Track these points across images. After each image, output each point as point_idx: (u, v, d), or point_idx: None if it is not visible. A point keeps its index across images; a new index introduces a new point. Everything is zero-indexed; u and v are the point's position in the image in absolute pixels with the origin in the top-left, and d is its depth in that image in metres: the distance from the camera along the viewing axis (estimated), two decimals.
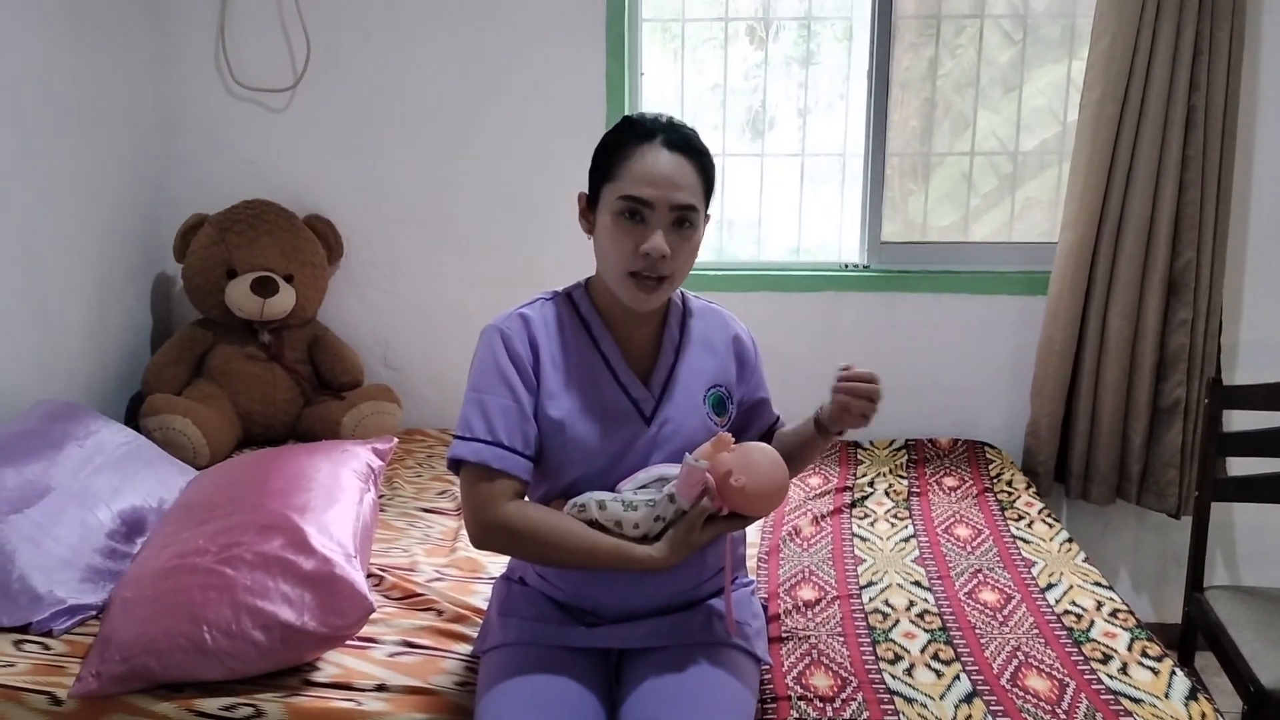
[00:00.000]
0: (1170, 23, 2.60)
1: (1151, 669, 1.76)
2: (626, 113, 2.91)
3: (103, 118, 2.74)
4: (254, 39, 2.95)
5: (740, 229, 3.15)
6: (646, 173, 1.53)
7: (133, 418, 2.75)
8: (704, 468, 1.47)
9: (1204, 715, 1.63)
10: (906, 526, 2.40)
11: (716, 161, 1.64)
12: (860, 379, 1.63)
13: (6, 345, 2.37)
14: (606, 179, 1.57)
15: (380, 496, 2.36)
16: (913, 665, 1.78)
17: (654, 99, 3.04)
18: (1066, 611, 1.97)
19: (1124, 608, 1.99)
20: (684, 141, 1.57)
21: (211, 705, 1.62)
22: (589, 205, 1.62)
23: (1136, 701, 1.66)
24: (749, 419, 1.78)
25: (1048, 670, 1.75)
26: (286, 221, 2.90)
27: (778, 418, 1.82)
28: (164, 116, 3.00)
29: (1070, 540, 2.31)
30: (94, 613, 1.87)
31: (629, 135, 1.57)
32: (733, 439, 1.51)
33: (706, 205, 1.62)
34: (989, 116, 3.01)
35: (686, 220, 1.56)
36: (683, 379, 1.68)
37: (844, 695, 1.67)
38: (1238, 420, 2.50)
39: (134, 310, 2.94)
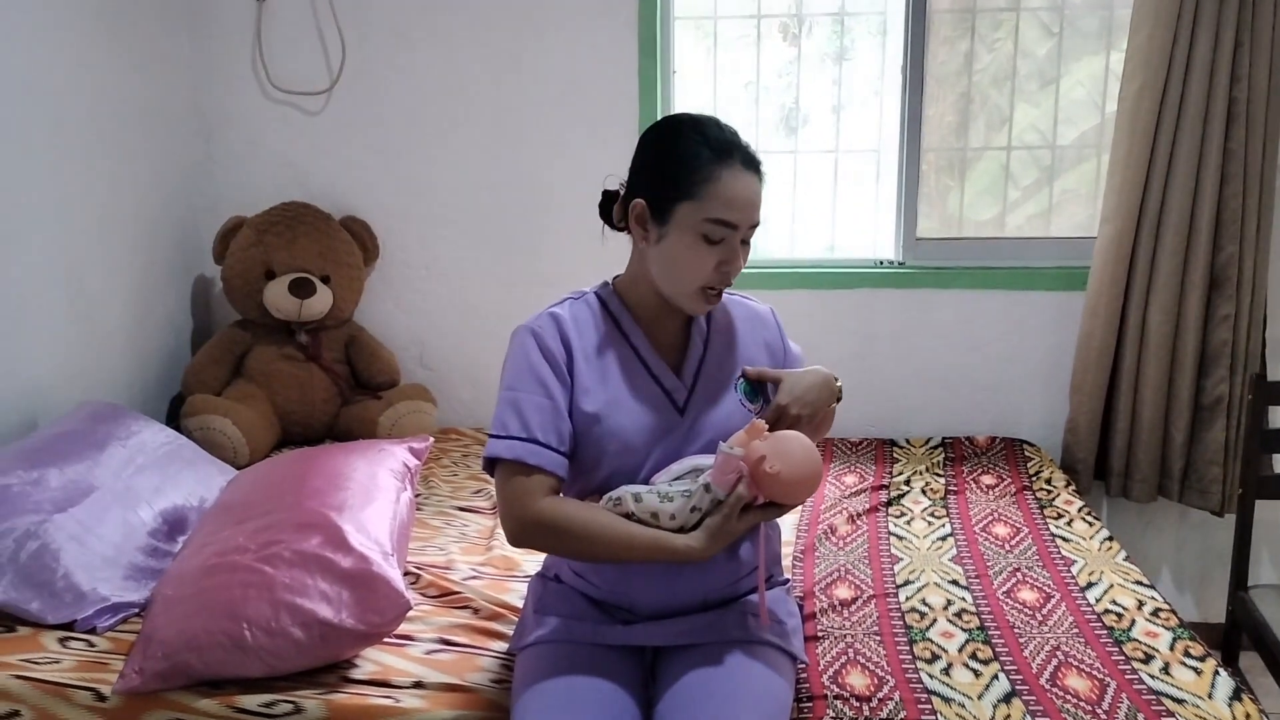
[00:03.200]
0: (1210, 13, 2.56)
1: (1194, 669, 1.73)
2: (658, 110, 2.92)
3: (143, 123, 2.78)
4: (290, 43, 2.99)
5: (774, 226, 3.14)
6: (735, 197, 1.56)
7: (173, 418, 2.78)
8: (738, 455, 1.47)
9: (1248, 716, 1.60)
10: (944, 525, 2.39)
11: None
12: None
13: (51, 348, 2.41)
14: (684, 197, 1.56)
15: (416, 495, 2.38)
16: (950, 665, 1.76)
17: (687, 97, 3.03)
18: (1107, 611, 1.95)
19: (1166, 607, 1.96)
20: (755, 162, 1.62)
21: (252, 702, 1.64)
22: (652, 215, 1.60)
23: (1179, 702, 1.63)
24: None
25: (1088, 670, 1.73)
26: (323, 223, 2.93)
27: None
28: (203, 120, 3.04)
29: (1111, 539, 2.28)
30: (136, 610, 1.89)
31: (705, 151, 1.57)
32: (766, 426, 1.51)
33: None
34: (1027, 110, 2.98)
35: (751, 235, 1.62)
36: (713, 368, 1.69)
37: (881, 695, 1.66)
38: None
39: (174, 312, 2.98)
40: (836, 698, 1.65)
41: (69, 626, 1.83)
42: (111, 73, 2.64)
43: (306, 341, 2.90)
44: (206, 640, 1.65)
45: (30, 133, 2.34)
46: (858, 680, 1.70)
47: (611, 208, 1.69)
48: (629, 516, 1.53)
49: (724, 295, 1.77)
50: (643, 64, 2.91)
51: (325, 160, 3.05)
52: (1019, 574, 2.11)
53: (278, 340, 2.90)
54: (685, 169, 1.56)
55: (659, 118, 2.87)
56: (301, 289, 2.80)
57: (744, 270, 3.09)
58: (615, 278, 1.73)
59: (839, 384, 1.73)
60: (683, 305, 1.63)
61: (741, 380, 1.70)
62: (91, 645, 1.79)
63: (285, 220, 2.89)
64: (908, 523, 2.41)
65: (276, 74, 3.01)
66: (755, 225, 1.61)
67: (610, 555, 1.55)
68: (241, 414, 2.67)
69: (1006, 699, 1.65)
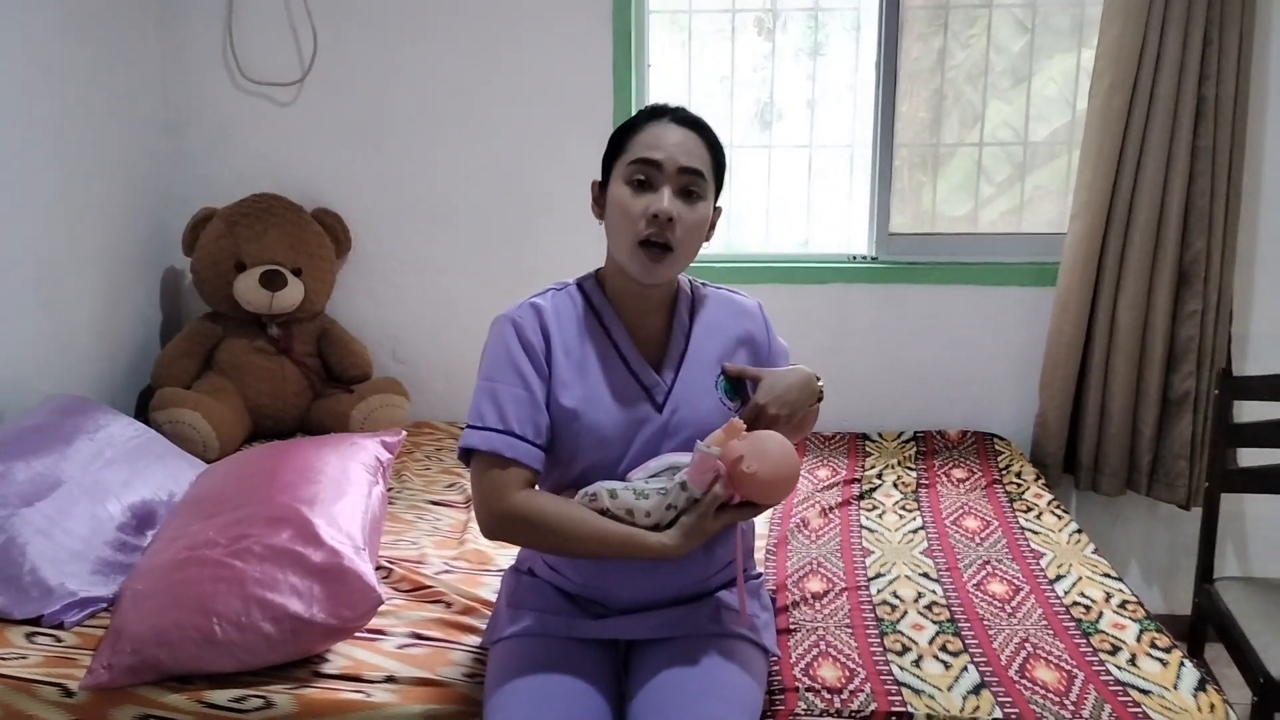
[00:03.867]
0: (1180, 11, 2.59)
1: (1160, 660, 1.76)
2: (633, 104, 2.92)
3: (112, 114, 2.75)
4: (261, 33, 2.96)
5: (748, 221, 3.15)
6: (656, 139, 1.58)
7: (143, 411, 2.76)
8: (716, 454, 1.47)
9: (1213, 706, 1.63)
10: (915, 518, 2.40)
11: (724, 153, 1.65)
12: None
13: (18, 340, 2.38)
14: (617, 156, 1.61)
15: (389, 489, 2.37)
16: (921, 656, 1.78)
17: (661, 91, 3.03)
18: (1075, 603, 1.97)
19: (1133, 599, 1.98)
20: (694, 120, 1.62)
21: (222, 697, 1.63)
22: (601, 190, 1.65)
23: (1145, 693, 1.65)
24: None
25: (1056, 661, 1.75)
26: (294, 215, 2.91)
27: None
28: (173, 111, 3.01)
29: (1079, 531, 2.31)
30: (105, 605, 1.88)
31: (640, 118, 1.62)
32: (744, 426, 1.51)
33: (717, 189, 1.64)
34: (1000, 106, 3.00)
35: (694, 189, 1.59)
36: (694, 364, 1.68)
37: (852, 686, 1.67)
38: (1248, 411, 2.49)
39: (143, 304, 2.95)
40: (808, 690, 1.66)
41: (36, 621, 1.81)
42: (80, 63, 2.60)
43: (278, 334, 2.88)
44: (176, 635, 1.64)
45: None
46: (829, 672, 1.71)
47: None
48: (604, 513, 1.53)
49: (710, 289, 1.77)
50: (617, 57, 2.90)
51: (297, 152, 3.02)
52: (989, 567, 2.13)
53: (249, 333, 2.87)
54: (621, 134, 1.62)
55: (633, 111, 2.89)
56: (272, 281, 2.78)
57: (717, 264, 3.12)
58: (600, 269, 1.72)
59: (820, 384, 1.72)
60: (631, 271, 1.60)
61: (722, 378, 1.69)
62: (59, 640, 1.78)
63: (256, 212, 2.86)
64: (879, 516, 2.42)
65: (247, 65, 2.98)
66: (689, 171, 1.57)
67: (584, 551, 1.55)
68: (211, 407, 2.64)
69: (976, 690, 1.67)
